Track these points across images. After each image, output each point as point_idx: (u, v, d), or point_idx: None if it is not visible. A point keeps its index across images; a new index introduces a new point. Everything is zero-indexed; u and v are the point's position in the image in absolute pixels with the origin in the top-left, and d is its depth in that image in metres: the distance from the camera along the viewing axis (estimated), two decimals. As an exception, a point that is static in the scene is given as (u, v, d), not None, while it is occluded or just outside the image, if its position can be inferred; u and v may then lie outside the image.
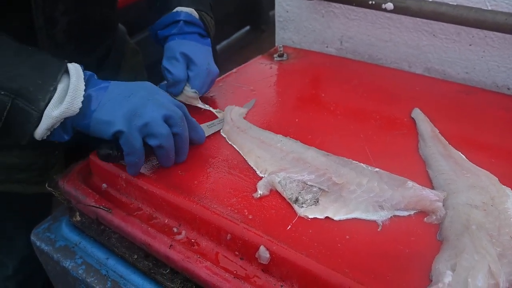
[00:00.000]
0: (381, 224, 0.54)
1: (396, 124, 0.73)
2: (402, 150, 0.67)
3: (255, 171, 0.63)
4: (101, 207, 0.63)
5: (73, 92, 0.56)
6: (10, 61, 0.55)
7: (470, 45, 0.86)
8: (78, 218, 0.67)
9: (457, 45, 0.88)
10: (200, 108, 0.77)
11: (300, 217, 0.55)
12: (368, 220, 0.54)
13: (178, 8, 0.78)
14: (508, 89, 0.86)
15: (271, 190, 0.59)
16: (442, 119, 0.72)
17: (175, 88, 0.74)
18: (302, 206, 0.56)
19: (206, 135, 0.70)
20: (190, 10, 0.78)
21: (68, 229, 0.68)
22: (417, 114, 0.74)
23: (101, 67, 0.84)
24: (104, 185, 0.67)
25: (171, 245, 0.56)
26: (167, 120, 0.59)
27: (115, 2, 0.85)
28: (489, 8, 0.80)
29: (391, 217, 0.54)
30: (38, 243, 0.68)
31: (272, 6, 1.12)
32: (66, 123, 0.58)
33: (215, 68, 0.77)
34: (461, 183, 0.57)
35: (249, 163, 0.65)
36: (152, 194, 0.61)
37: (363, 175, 0.58)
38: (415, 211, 0.55)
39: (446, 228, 0.51)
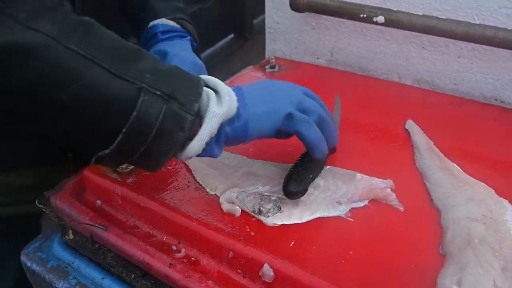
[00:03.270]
0: (346, 217, 0.57)
1: (391, 136, 0.74)
2: (399, 163, 0.67)
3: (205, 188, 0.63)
4: (96, 224, 0.61)
5: (227, 91, 0.50)
6: (156, 64, 0.48)
7: (458, 57, 0.88)
8: (71, 236, 0.65)
9: (445, 57, 0.90)
10: None
11: (302, 233, 0.55)
12: (331, 217, 0.57)
13: (152, 22, 0.78)
14: (496, 100, 0.88)
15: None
16: (435, 131, 0.73)
17: None
18: (268, 216, 0.57)
19: None
20: (164, 21, 0.78)
21: (60, 248, 0.66)
22: (411, 126, 0.75)
23: None
24: (99, 202, 0.65)
25: (171, 264, 0.55)
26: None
27: None
28: (477, 22, 0.82)
29: (350, 209, 0.58)
30: (28, 264, 0.65)
31: (255, 14, 1.12)
32: (219, 132, 0.51)
33: (199, 61, 0.74)
34: (460, 196, 0.57)
35: (197, 180, 0.64)
36: (149, 210, 0.59)
37: (319, 176, 0.62)
38: (368, 200, 0.59)
39: (449, 242, 0.51)
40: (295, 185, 0.57)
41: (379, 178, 0.62)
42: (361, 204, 0.59)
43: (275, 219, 0.56)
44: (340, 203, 0.59)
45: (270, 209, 0.58)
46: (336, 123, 0.71)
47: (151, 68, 0.47)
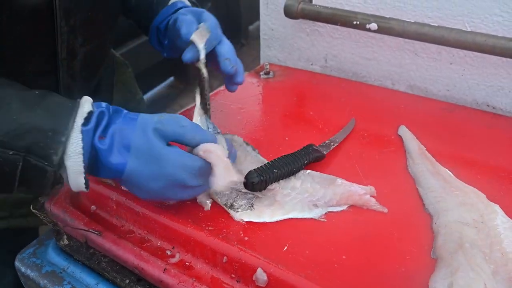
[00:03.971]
0: (320, 219, 0.58)
1: (384, 141, 0.75)
2: (391, 168, 0.68)
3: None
4: (91, 230, 0.61)
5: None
6: (16, 115, 0.50)
7: (450, 63, 0.89)
8: (66, 242, 0.65)
9: (438, 64, 0.91)
10: None
11: (295, 238, 0.55)
12: (305, 219, 0.58)
13: (173, 0, 0.78)
14: (488, 106, 0.89)
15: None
16: (427, 136, 0.74)
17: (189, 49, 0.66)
18: (237, 211, 0.58)
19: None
20: (184, 1, 0.79)
21: (55, 253, 0.66)
22: (404, 132, 0.75)
23: (99, 88, 0.84)
24: (93, 207, 0.66)
25: (165, 269, 0.55)
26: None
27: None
28: (468, 29, 0.83)
29: (325, 213, 0.59)
30: (23, 269, 0.65)
31: (251, 20, 1.14)
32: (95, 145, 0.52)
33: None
34: (451, 201, 0.58)
35: None
36: (144, 216, 0.60)
37: (296, 178, 0.63)
38: (347, 206, 0.60)
39: (440, 246, 0.52)
40: (253, 176, 0.58)
41: (369, 184, 0.63)
42: (339, 209, 0.60)
43: (243, 215, 0.58)
44: (316, 206, 0.60)
45: (242, 205, 0.59)
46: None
47: (4, 128, 0.49)
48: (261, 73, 1.00)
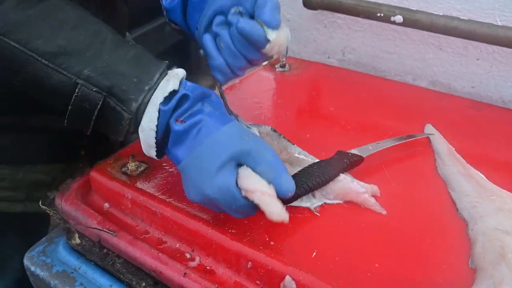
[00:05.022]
0: (314, 210, 0.57)
1: (411, 140, 0.71)
2: (420, 169, 0.65)
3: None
4: (105, 229, 0.58)
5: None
6: (107, 55, 0.50)
7: (477, 59, 0.85)
8: (78, 241, 0.62)
9: (464, 59, 0.87)
10: None
11: (324, 243, 0.52)
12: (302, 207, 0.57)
13: None
14: (514, 104, 0.86)
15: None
16: (455, 136, 0.71)
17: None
18: None
19: None
20: None
21: (66, 252, 0.63)
22: (431, 131, 0.72)
23: None
24: (107, 205, 0.62)
25: (185, 273, 0.52)
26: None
27: None
28: (499, 23, 0.80)
29: (321, 204, 0.58)
30: (32, 268, 0.62)
31: None
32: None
33: None
34: (487, 206, 0.55)
35: None
36: (161, 216, 0.57)
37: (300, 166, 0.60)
38: (344, 200, 0.58)
39: (479, 256, 0.49)
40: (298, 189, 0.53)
41: (397, 186, 0.60)
42: (335, 202, 0.58)
43: None
44: (314, 197, 0.58)
45: None
46: None
47: (94, 63, 0.50)
48: (277, 66, 0.96)
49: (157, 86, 0.50)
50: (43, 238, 0.67)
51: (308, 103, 0.84)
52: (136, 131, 0.52)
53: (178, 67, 0.54)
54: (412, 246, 0.52)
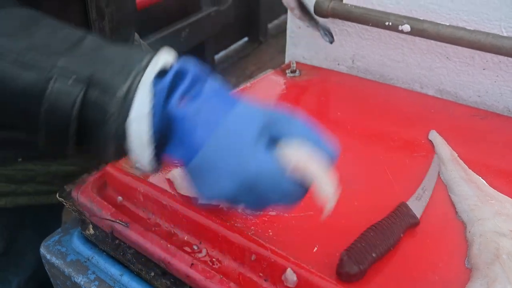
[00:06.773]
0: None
1: (414, 146, 0.73)
2: (423, 173, 0.67)
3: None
4: (118, 221, 0.61)
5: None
6: (85, 48, 0.42)
7: (483, 69, 0.87)
8: (92, 232, 0.65)
9: (470, 69, 0.89)
10: None
11: (325, 239, 0.54)
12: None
13: None
14: (520, 114, 0.87)
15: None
16: (458, 143, 0.73)
17: None
18: None
19: None
20: None
21: (80, 242, 0.66)
22: (435, 137, 0.74)
23: None
24: (120, 198, 0.65)
25: (192, 264, 0.55)
26: None
27: None
28: (505, 34, 0.81)
29: None
30: (48, 256, 0.65)
31: (270, 19, 1.12)
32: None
33: None
34: (486, 210, 0.57)
35: None
36: (171, 209, 0.59)
37: None
38: None
39: (475, 256, 0.50)
40: (350, 265, 0.49)
41: (400, 189, 0.61)
42: None
43: None
44: None
45: None
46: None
47: (70, 54, 0.40)
48: (288, 71, 0.99)
49: (147, 68, 0.40)
50: (59, 229, 0.70)
51: (317, 109, 0.86)
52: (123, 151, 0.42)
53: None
54: (411, 245, 0.54)
